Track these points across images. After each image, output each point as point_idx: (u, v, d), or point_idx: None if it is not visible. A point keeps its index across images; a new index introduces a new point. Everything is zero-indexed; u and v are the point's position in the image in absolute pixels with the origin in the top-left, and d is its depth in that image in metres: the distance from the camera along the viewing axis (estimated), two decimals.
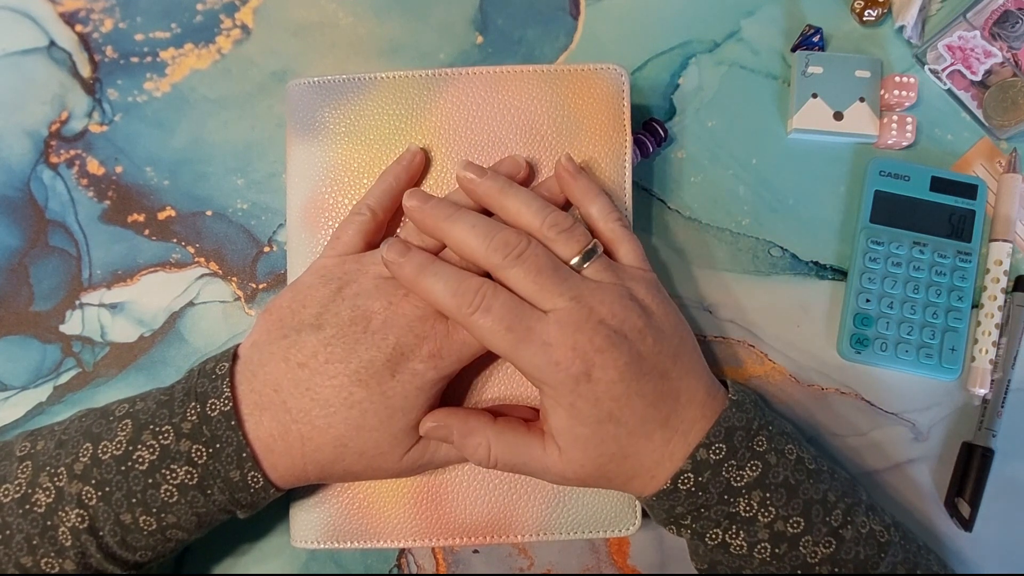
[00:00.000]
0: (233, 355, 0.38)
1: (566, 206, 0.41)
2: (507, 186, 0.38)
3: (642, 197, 0.48)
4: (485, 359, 0.40)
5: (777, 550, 0.36)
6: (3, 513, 0.35)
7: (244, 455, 0.35)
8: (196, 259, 0.47)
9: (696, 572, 0.40)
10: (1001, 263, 0.47)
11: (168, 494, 0.35)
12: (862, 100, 0.48)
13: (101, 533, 0.35)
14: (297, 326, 0.37)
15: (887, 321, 0.46)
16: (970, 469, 0.44)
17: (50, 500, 0.35)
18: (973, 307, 0.47)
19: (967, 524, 0.44)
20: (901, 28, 0.49)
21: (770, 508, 0.35)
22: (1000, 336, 0.46)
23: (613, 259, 0.39)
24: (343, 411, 0.36)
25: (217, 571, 0.44)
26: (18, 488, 0.35)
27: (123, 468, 0.35)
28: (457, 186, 0.40)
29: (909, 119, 0.48)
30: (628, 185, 0.42)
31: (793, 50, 0.50)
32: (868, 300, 0.46)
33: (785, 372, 0.47)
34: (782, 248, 0.48)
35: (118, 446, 0.35)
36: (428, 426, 0.37)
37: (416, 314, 0.37)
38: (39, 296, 0.47)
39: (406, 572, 0.45)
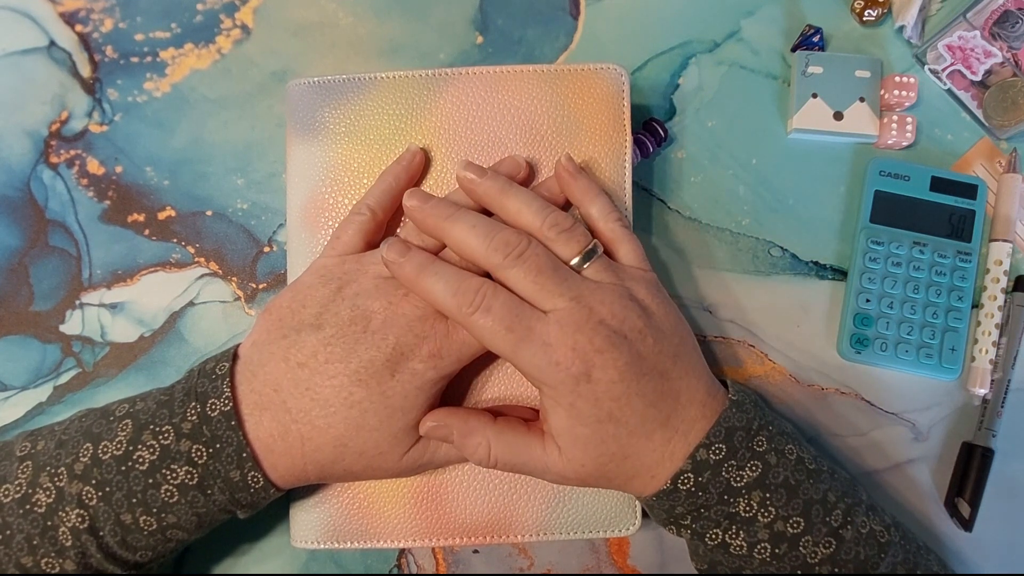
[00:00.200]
0: (233, 355, 0.38)
1: (566, 206, 0.41)
2: (507, 186, 0.38)
3: (642, 197, 0.48)
4: (485, 359, 0.40)
5: (777, 550, 0.36)
6: (3, 513, 0.35)
7: (244, 455, 0.35)
8: (196, 259, 0.47)
9: (696, 572, 0.40)
10: (1001, 263, 0.47)
11: (168, 494, 0.35)
12: (862, 100, 0.48)
13: (101, 533, 0.35)
14: (297, 326, 0.37)
15: (887, 321, 0.46)
16: (970, 469, 0.44)
17: (50, 500, 0.35)
18: (973, 307, 0.47)
19: (967, 524, 0.44)
20: (901, 28, 0.49)
21: (770, 508, 0.35)
22: (1000, 336, 0.46)
23: (613, 259, 0.39)
24: (343, 411, 0.36)
25: (217, 571, 0.44)
26: (18, 488, 0.35)
27: (123, 468, 0.35)
28: (457, 186, 0.40)
29: (909, 119, 0.48)
30: (628, 185, 0.42)
31: (793, 50, 0.50)
32: (868, 300, 0.46)
33: (785, 372, 0.47)
34: (782, 248, 0.48)
35: (118, 446, 0.35)
36: (428, 426, 0.37)
37: (416, 314, 0.37)
38: (39, 296, 0.47)
39: (406, 572, 0.45)
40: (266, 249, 0.48)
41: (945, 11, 0.51)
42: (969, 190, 0.47)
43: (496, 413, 0.39)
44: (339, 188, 0.42)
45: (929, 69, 0.49)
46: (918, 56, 0.50)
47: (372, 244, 0.40)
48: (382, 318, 0.36)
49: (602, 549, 0.45)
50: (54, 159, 0.48)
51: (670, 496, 0.36)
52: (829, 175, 0.49)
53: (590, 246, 0.37)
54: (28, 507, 0.35)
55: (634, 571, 0.45)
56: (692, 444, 0.36)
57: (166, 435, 0.35)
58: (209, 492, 0.35)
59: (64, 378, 0.46)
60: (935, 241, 0.46)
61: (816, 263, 0.48)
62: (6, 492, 0.35)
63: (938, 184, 0.47)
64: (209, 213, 0.48)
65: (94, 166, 0.48)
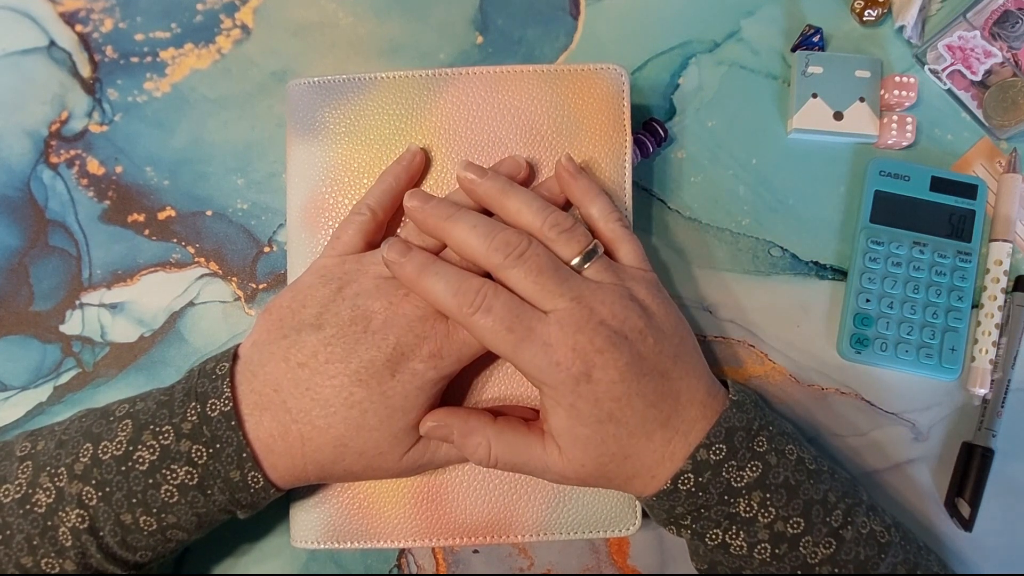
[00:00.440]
0: (233, 355, 0.38)
1: (566, 206, 0.41)
2: (508, 186, 0.38)
3: (642, 197, 0.48)
4: (485, 359, 0.40)
5: (777, 550, 0.36)
6: (3, 513, 0.35)
7: (244, 455, 0.35)
8: (196, 259, 0.47)
9: (696, 572, 0.40)
10: (1001, 263, 0.47)
11: (168, 494, 0.35)
12: (862, 100, 0.48)
13: (101, 533, 0.35)
14: (297, 326, 0.37)
15: (887, 321, 0.46)
16: (970, 469, 0.44)
17: (50, 500, 0.35)
18: (973, 307, 0.47)
19: (967, 524, 0.44)
20: (901, 28, 0.49)
21: (770, 508, 0.35)
22: (1000, 336, 0.46)
23: (613, 259, 0.39)
24: (343, 411, 0.36)
25: (217, 571, 0.44)
26: (18, 488, 0.35)
27: (123, 468, 0.35)
28: (457, 186, 0.40)
29: (909, 119, 0.48)
30: (628, 185, 0.42)
31: (793, 50, 0.50)
32: (868, 300, 0.46)
33: (785, 372, 0.47)
34: (782, 248, 0.48)
35: (118, 446, 0.35)
36: (428, 426, 0.37)
37: (416, 314, 0.37)
38: (39, 296, 0.47)
39: (406, 572, 0.45)
40: (266, 249, 0.48)
41: (945, 11, 0.51)
42: (969, 190, 0.47)
43: (496, 413, 0.39)
44: (339, 188, 0.42)
45: (929, 69, 0.49)
46: (918, 56, 0.50)
47: (372, 244, 0.40)
48: (382, 318, 0.36)
49: (602, 549, 0.45)
50: (54, 159, 0.48)
51: (670, 496, 0.36)
52: (829, 175, 0.49)
53: (590, 246, 0.37)
54: (28, 507, 0.35)
55: (634, 571, 0.45)
56: (692, 444, 0.36)
57: (166, 435, 0.35)
58: (209, 492, 0.35)
59: (64, 378, 0.46)
60: (935, 241, 0.46)
61: (816, 263, 0.48)
62: (6, 492, 0.35)
63: (938, 184, 0.47)
64: (209, 213, 0.48)
65: (94, 166, 0.48)
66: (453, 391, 0.40)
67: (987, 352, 0.46)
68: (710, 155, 0.49)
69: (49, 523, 0.35)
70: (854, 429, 0.46)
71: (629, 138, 0.42)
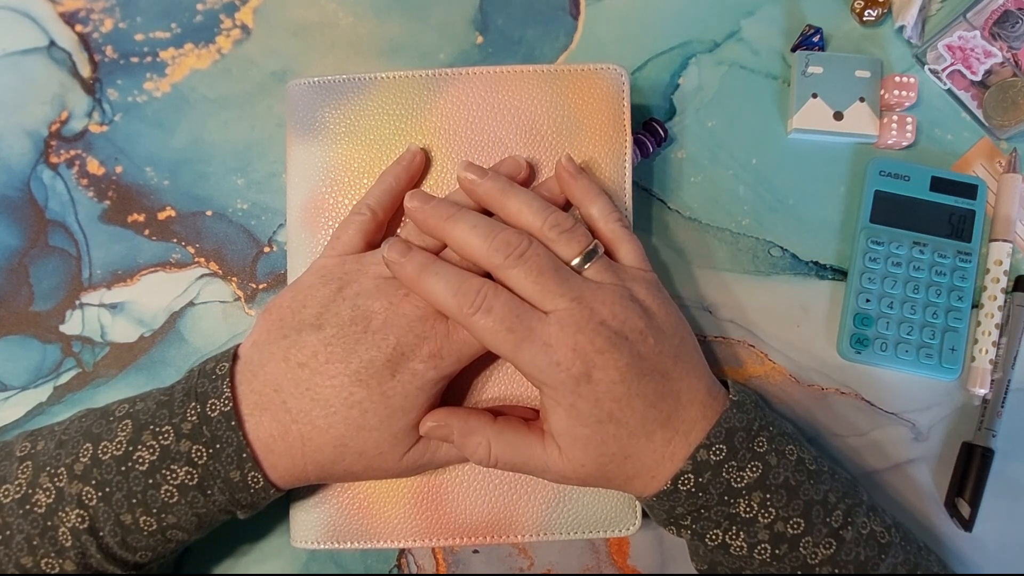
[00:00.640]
0: (233, 355, 0.38)
1: (566, 206, 0.41)
2: (508, 187, 0.38)
3: (642, 197, 0.48)
4: (485, 359, 0.40)
5: (777, 551, 0.36)
6: (3, 513, 0.35)
7: (244, 455, 0.35)
8: (196, 259, 0.47)
9: (696, 572, 0.40)
10: (1001, 263, 0.47)
11: (168, 494, 0.35)
12: (862, 100, 0.48)
13: (101, 533, 0.35)
14: (297, 326, 0.37)
15: (887, 321, 0.46)
16: (970, 469, 0.44)
17: (50, 500, 0.35)
18: (973, 307, 0.47)
19: (967, 524, 0.44)
20: (901, 28, 0.49)
21: (770, 509, 0.35)
22: (1000, 336, 0.46)
23: (613, 259, 0.39)
24: (343, 411, 0.36)
25: (217, 571, 0.44)
26: (18, 488, 0.35)
27: (123, 468, 0.35)
28: (457, 186, 0.40)
29: (909, 119, 0.48)
30: (628, 185, 0.42)
31: (793, 50, 0.50)
32: (868, 300, 0.46)
33: (785, 372, 0.47)
34: (782, 248, 0.48)
35: (118, 446, 0.35)
36: (428, 426, 0.37)
37: (416, 314, 0.37)
38: (39, 296, 0.47)
39: (406, 572, 0.45)
40: (266, 249, 0.48)
41: (945, 11, 0.51)
42: (969, 190, 0.47)
43: (496, 413, 0.39)
44: (339, 188, 0.42)
45: (929, 69, 0.49)
46: (918, 56, 0.50)
47: (372, 244, 0.40)
48: (383, 318, 0.36)
49: (602, 549, 0.45)
50: (54, 159, 0.48)
51: (670, 496, 0.36)
52: (829, 175, 0.49)
53: (591, 247, 0.37)
54: (28, 507, 0.35)
55: (634, 571, 0.45)
56: (692, 445, 0.36)
57: (166, 435, 0.35)
58: (209, 492, 0.35)
59: (64, 378, 0.46)
60: (935, 241, 0.46)
61: (816, 263, 0.48)
62: (6, 492, 0.35)
63: (938, 184, 0.47)
64: (209, 213, 0.48)
65: (94, 166, 0.48)
66: (453, 391, 0.40)
67: (987, 352, 0.46)
68: (710, 155, 0.49)
69: (49, 523, 0.35)
70: (854, 429, 0.46)
71: (629, 138, 0.42)
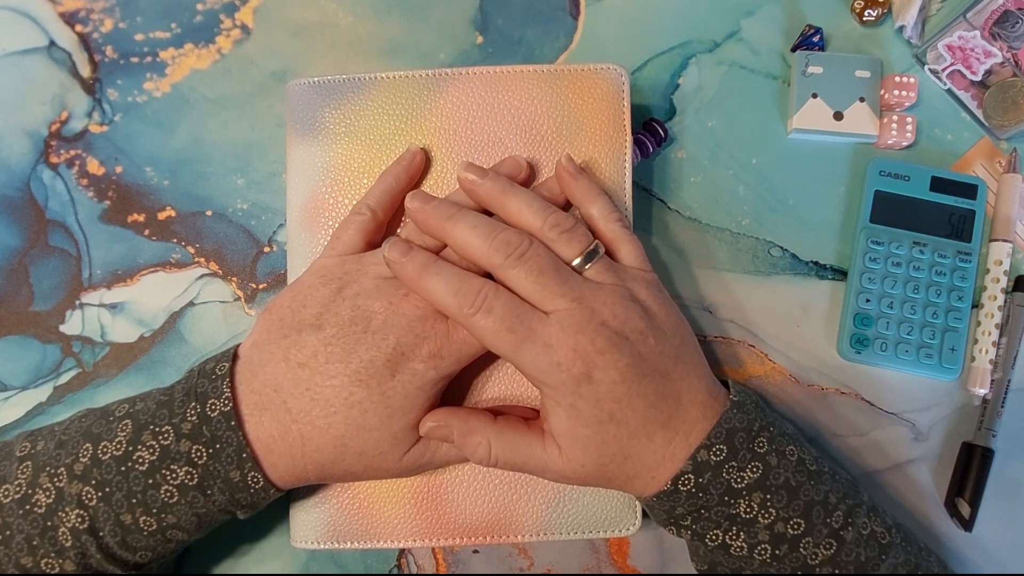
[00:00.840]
0: (233, 355, 0.38)
1: (566, 206, 0.41)
2: (508, 187, 0.38)
3: (642, 197, 0.48)
4: (485, 359, 0.40)
5: (777, 551, 0.36)
6: (3, 513, 0.35)
7: (244, 455, 0.35)
8: (196, 259, 0.47)
9: (696, 573, 0.40)
10: (1001, 263, 0.47)
11: (168, 494, 0.35)
12: (862, 100, 0.48)
13: (101, 534, 0.35)
14: (297, 326, 0.37)
15: (887, 321, 0.46)
16: (970, 469, 0.44)
17: (50, 500, 0.35)
18: (973, 307, 0.47)
19: (967, 524, 0.44)
20: (901, 28, 0.49)
21: (771, 509, 0.35)
22: (1000, 336, 0.46)
23: (614, 260, 0.39)
24: (343, 411, 0.36)
25: (217, 571, 0.44)
26: (18, 488, 0.35)
27: (123, 468, 0.35)
28: (457, 186, 0.40)
29: (909, 119, 0.48)
30: (628, 185, 0.42)
31: (793, 50, 0.50)
32: (868, 300, 0.46)
33: (785, 372, 0.47)
34: (782, 248, 0.48)
35: (118, 446, 0.35)
36: (428, 426, 0.37)
37: (416, 314, 0.37)
38: (39, 296, 0.47)
39: (406, 572, 0.45)
40: (266, 249, 0.48)
41: (945, 11, 0.51)
42: (969, 190, 0.47)
43: (496, 413, 0.39)
44: (339, 188, 0.42)
45: (929, 69, 0.49)
46: (918, 56, 0.50)
47: (372, 244, 0.40)
48: (383, 318, 0.36)
49: (602, 549, 0.45)
50: (54, 159, 0.48)
51: (670, 497, 0.36)
52: (829, 175, 0.49)
53: (591, 247, 0.37)
54: (28, 507, 0.35)
55: (634, 571, 0.45)
56: (693, 445, 0.36)
57: (166, 435, 0.35)
58: (209, 492, 0.35)
59: (64, 378, 0.46)
60: (935, 241, 0.46)
61: (816, 263, 0.48)
62: (6, 492, 0.35)
63: (938, 184, 0.47)
64: (209, 213, 0.48)
65: (94, 166, 0.48)
66: (453, 391, 0.40)
67: (987, 352, 0.46)
68: (710, 155, 0.49)
69: (49, 523, 0.35)
70: (854, 429, 0.46)
71: (629, 138, 0.42)
